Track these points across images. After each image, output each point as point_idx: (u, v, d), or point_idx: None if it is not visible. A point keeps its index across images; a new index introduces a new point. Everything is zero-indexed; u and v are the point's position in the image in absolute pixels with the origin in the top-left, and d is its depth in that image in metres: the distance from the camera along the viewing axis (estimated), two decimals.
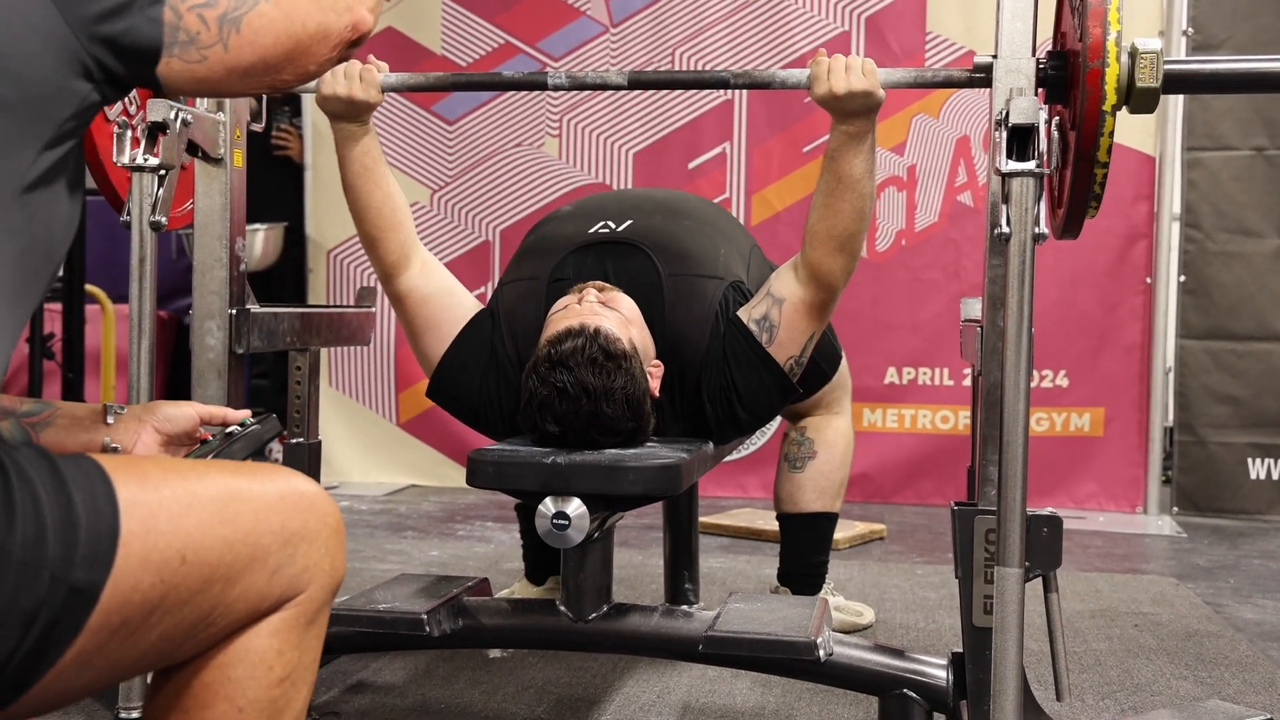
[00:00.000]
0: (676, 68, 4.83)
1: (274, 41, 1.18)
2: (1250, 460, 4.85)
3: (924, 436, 4.91)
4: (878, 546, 4.00)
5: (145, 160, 1.88)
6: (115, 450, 1.35)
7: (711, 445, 2.19)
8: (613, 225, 2.32)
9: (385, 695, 2.26)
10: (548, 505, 1.86)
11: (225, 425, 1.42)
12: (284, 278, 5.17)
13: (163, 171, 1.90)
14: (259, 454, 1.41)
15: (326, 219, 5.23)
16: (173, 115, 1.93)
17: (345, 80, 2.13)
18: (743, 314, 2.19)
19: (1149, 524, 4.65)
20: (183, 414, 1.39)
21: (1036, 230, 1.70)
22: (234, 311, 2.10)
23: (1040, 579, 1.90)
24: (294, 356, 2.36)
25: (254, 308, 2.17)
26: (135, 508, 1.00)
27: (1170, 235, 4.78)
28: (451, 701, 2.25)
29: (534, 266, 2.30)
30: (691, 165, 4.94)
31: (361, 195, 2.21)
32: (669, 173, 4.94)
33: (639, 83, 2.15)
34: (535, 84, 2.15)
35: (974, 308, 2.44)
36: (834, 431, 2.72)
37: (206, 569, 1.05)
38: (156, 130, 1.91)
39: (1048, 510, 1.91)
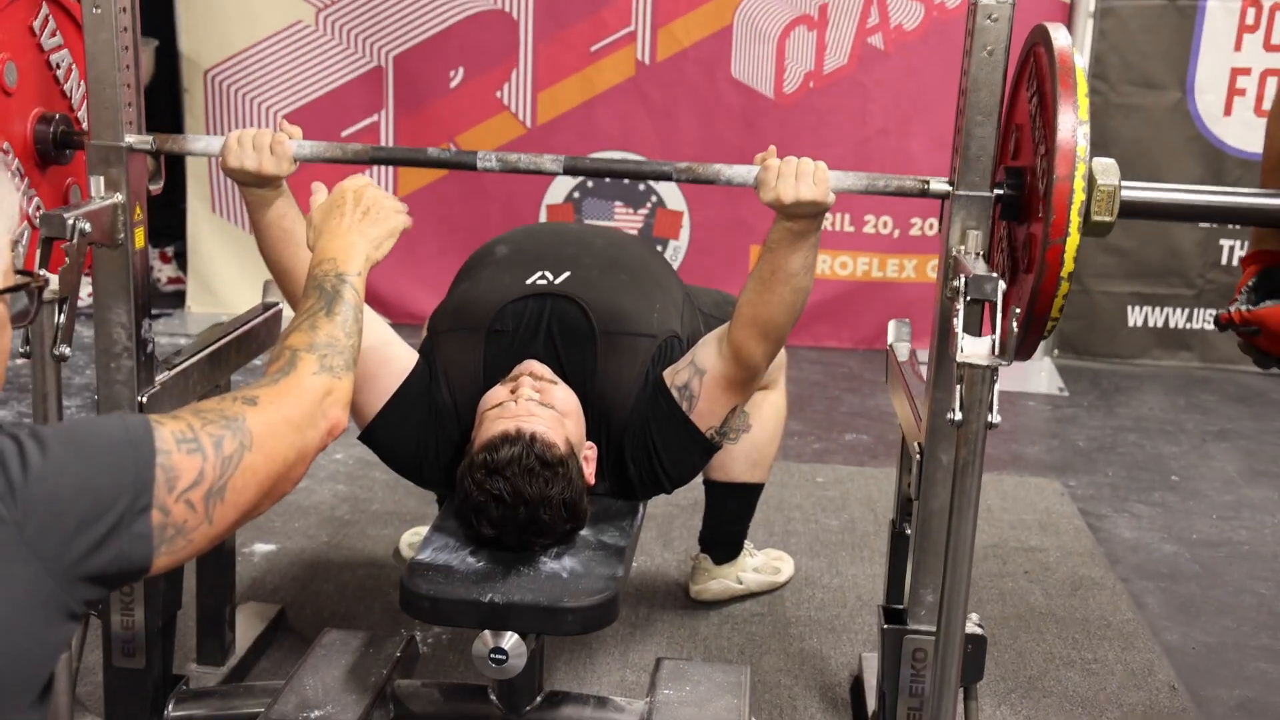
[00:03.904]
0: None
1: (255, 491, 1.14)
2: (1130, 308, 4.99)
3: (822, 282, 4.89)
4: None
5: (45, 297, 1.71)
6: None
7: (641, 511, 2.19)
8: (550, 277, 2.24)
9: None
10: (485, 640, 1.86)
11: None
12: (158, 101, 4.84)
13: (64, 299, 1.75)
14: None
15: (202, 35, 4.88)
16: (70, 223, 1.76)
17: (255, 153, 1.96)
18: (667, 375, 2.15)
19: (1030, 373, 4.79)
20: None
21: (989, 419, 1.67)
22: (144, 399, 1.98)
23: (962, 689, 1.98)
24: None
25: (162, 377, 2.05)
26: None
27: None
28: None
29: (471, 317, 2.22)
30: None
31: (284, 259, 2.06)
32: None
33: (574, 169, 2.01)
34: (464, 164, 1.99)
35: (903, 332, 2.42)
36: (770, 407, 2.71)
37: None
38: (50, 246, 1.74)
39: (975, 628, 1.96)
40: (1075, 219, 1.69)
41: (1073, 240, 1.70)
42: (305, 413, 1.22)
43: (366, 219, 1.61)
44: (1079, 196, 1.69)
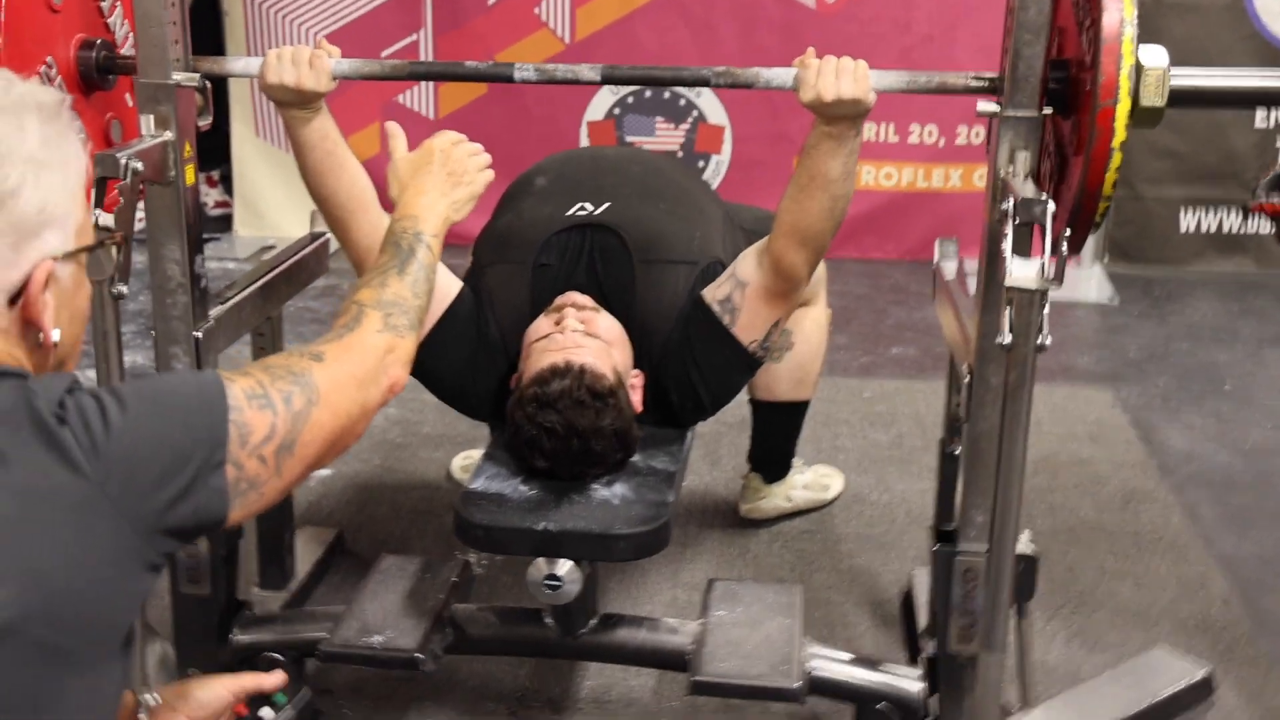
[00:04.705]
0: None
1: (321, 445, 1.17)
2: (1183, 212, 4.92)
3: (867, 193, 4.87)
4: None
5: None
6: None
7: (690, 435, 2.20)
8: (590, 207, 2.24)
9: None
10: (539, 566, 1.89)
11: (260, 692, 1.41)
12: (198, 23, 4.82)
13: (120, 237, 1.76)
14: None
15: None
16: (124, 162, 1.77)
17: (293, 67, 1.96)
18: (706, 293, 2.16)
19: (1080, 281, 4.74)
20: (215, 696, 1.36)
21: (1039, 341, 1.67)
22: (199, 335, 2.01)
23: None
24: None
25: (216, 311, 2.07)
26: None
27: None
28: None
29: (517, 250, 2.24)
30: None
31: (328, 183, 2.07)
32: None
33: (612, 78, 2.00)
34: (501, 76, 1.99)
35: (948, 250, 2.40)
36: (812, 323, 2.70)
37: None
38: (104, 184, 1.76)
39: (1027, 547, 1.97)
40: (1125, 83, 1.63)
41: (1123, 106, 1.65)
42: (369, 369, 1.26)
43: (450, 180, 1.65)
44: (1128, 59, 1.64)
